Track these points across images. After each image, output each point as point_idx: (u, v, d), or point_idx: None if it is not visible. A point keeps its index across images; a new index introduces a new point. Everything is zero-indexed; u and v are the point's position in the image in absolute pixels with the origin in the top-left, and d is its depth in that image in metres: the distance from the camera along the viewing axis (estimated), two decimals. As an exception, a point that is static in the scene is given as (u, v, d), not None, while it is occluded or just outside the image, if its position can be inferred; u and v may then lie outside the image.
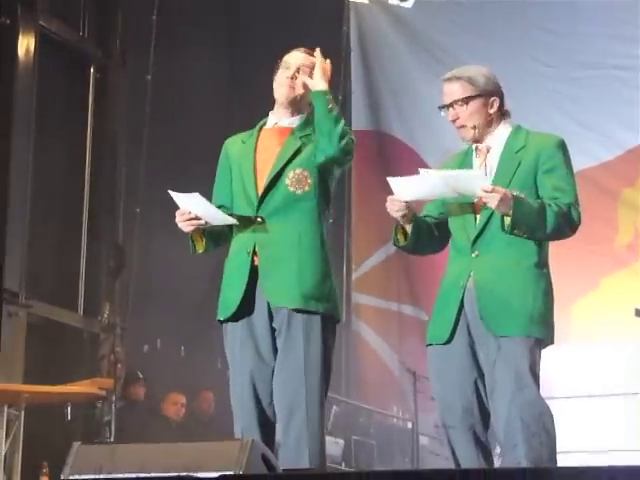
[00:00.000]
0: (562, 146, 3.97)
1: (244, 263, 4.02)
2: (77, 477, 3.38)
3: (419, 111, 10.11)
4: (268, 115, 4.20)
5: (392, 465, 9.02)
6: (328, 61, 4.08)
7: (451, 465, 3.91)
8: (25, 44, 8.03)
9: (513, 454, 3.73)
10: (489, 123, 4.00)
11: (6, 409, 6.61)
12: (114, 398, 8.14)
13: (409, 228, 3.96)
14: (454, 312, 3.90)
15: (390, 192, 3.91)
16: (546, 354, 3.91)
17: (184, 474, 3.25)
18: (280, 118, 4.16)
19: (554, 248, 4.00)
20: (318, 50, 4.07)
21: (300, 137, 4.10)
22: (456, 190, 3.84)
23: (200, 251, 4.12)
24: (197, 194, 3.96)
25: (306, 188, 4.05)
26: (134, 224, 8.96)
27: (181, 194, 3.98)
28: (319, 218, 4.07)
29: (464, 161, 4.06)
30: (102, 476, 3.36)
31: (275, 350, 4.00)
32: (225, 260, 4.14)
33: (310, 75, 4.05)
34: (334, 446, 8.46)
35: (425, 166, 10.11)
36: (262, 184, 4.06)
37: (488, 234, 3.89)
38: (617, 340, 8.79)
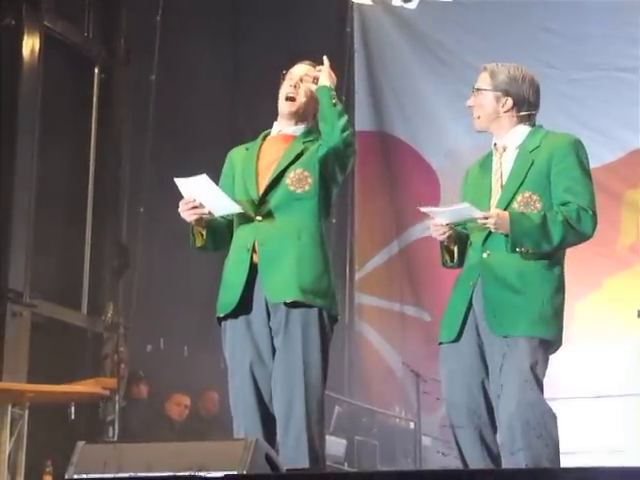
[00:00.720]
0: (577, 146, 3.95)
1: (244, 260, 4.05)
2: (81, 476, 3.39)
3: (422, 111, 10.13)
4: (272, 124, 4.25)
5: (395, 465, 9.00)
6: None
7: (455, 465, 3.91)
8: (30, 44, 8.04)
9: (516, 455, 3.72)
10: (499, 120, 4.02)
11: (10, 408, 6.63)
12: (117, 397, 8.14)
13: (455, 248, 4.01)
14: (463, 310, 3.92)
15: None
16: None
17: (188, 473, 3.26)
18: (284, 126, 4.22)
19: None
20: (326, 57, 4.15)
21: (303, 142, 4.16)
22: (460, 221, 3.92)
23: (199, 245, 4.13)
24: (204, 176, 3.95)
25: (306, 187, 4.08)
26: (138, 224, 8.96)
27: (188, 179, 3.96)
28: (319, 217, 4.10)
29: (484, 162, 4.10)
30: (106, 475, 3.36)
31: (273, 350, 4.02)
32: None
33: (314, 84, 4.12)
34: (337, 446, 8.44)
35: (426, 165, 10.18)
36: (263, 184, 4.10)
37: (498, 234, 3.88)
38: (619, 341, 8.79)
